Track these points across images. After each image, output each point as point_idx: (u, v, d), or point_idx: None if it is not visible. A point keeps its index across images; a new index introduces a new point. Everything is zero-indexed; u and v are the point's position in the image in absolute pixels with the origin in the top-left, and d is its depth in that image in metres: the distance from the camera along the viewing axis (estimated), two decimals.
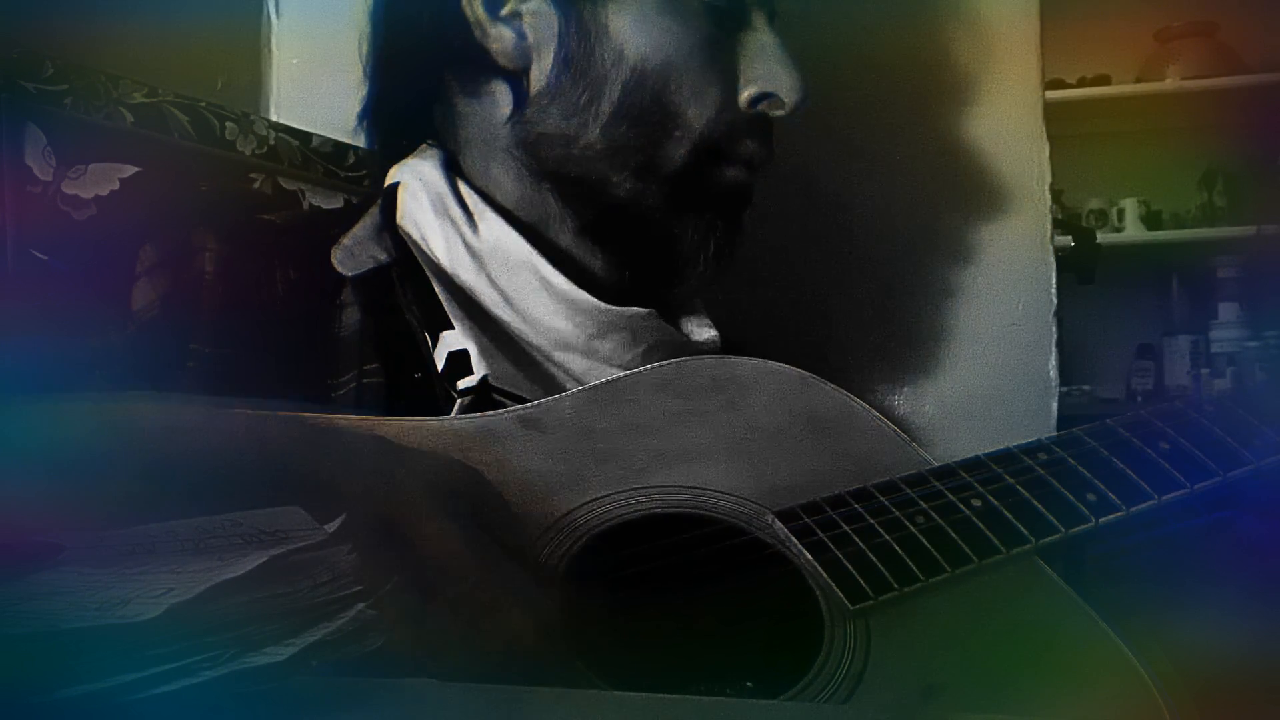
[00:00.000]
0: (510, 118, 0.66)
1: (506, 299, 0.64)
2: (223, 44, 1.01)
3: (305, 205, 0.79)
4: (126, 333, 0.60)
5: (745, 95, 0.65)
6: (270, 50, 0.98)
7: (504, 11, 0.65)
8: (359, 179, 0.84)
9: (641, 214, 0.66)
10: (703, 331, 0.70)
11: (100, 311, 0.60)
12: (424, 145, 0.70)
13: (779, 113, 0.66)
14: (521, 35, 0.65)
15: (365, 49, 0.72)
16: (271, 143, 0.79)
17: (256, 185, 0.77)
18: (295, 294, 0.63)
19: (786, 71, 0.65)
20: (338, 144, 0.83)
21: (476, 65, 0.66)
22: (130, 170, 0.68)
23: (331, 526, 0.36)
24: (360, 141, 0.76)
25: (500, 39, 0.65)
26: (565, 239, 0.67)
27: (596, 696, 0.36)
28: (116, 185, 0.67)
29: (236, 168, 0.77)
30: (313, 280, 0.64)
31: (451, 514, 0.41)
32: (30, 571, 0.32)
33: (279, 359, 0.61)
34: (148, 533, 0.35)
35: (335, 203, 0.81)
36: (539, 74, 0.65)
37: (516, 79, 0.66)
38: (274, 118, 0.92)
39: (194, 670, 0.28)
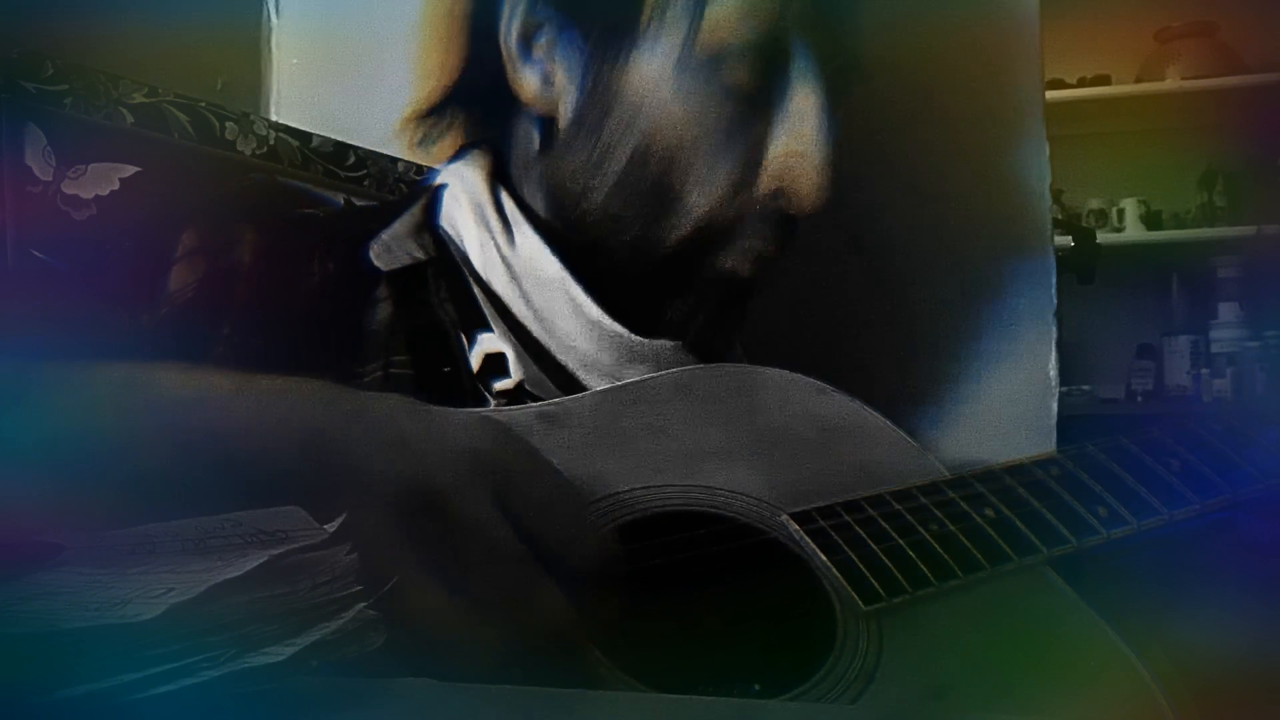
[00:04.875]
0: (536, 155, 0.66)
1: (537, 315, 0.64)
2: (223, 44, 1.01)
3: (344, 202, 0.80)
4: (160, 314, 0.60)
5: (762, 188, 0.62)
6: (270, 50, 0.98)
7: (534, 53, 0.64)
8: (359, 179, 0.84)
9: (633, 281, 0.65)
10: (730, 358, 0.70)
11: (125, 301, 0.60)
12: (476, 150, 0.70)
13: (795, 213, 0.63)
14: (548, 81, 0.64)
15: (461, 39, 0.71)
16: (271, 143, 0.79)
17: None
18: (330, 285, 0.63)
19: (813, 171, 0.61)
20: (338, 144, 0.83)
21: (511, 97, 0.66)
22: (130, 170, 0.68)
23: (332, 526, 0.36)
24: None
25: (527, 80, 0.64)
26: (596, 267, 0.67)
27: (598, 697, 0.36)
28: (116, 185, 0.67)
29: (236, 168, 0.77)
30: (348, 273, 0.64)
31: (484, 491, 0.41)
32: (30, 571, 0.32)
33: (308, 346, 0.61)
34: (148, 533, 0.35)
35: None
36: (560, 124, 0.64)
37: (543, 120, 0.65)
38: (274, 118, 0.92)
39: (194, 670, 0.28)
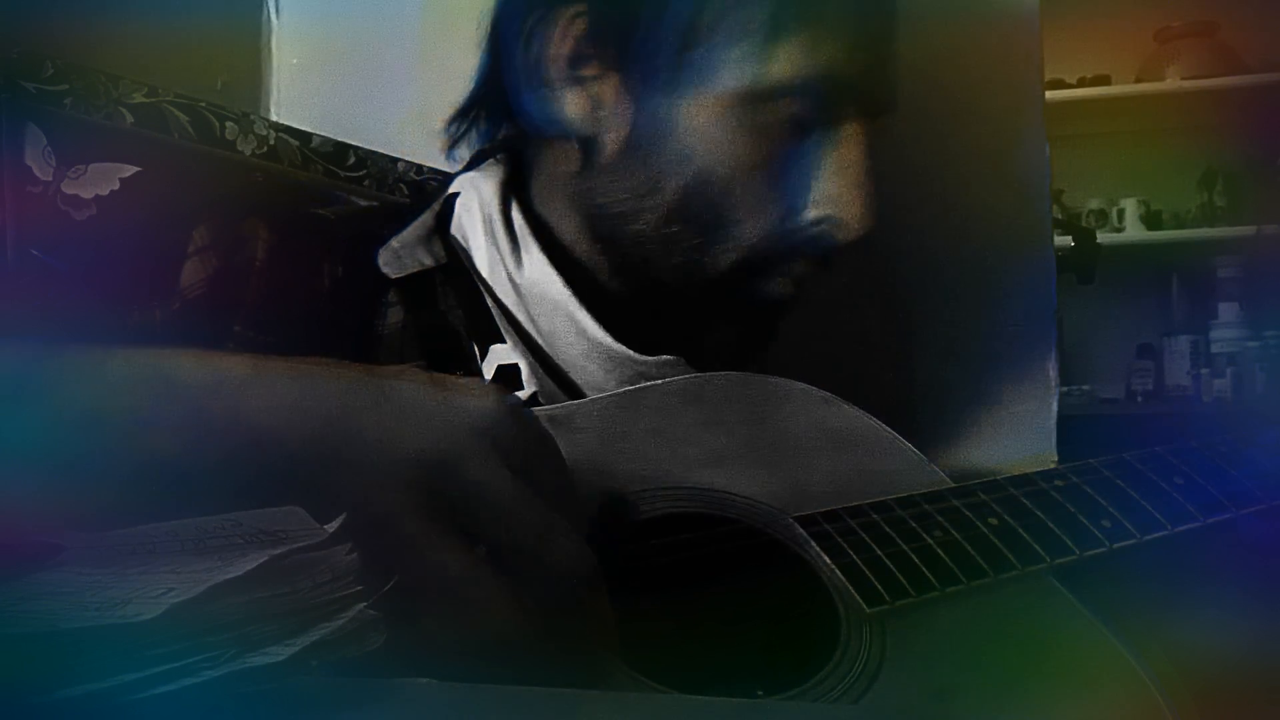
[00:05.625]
0: (577, 174, 0.65)
1: (542, 334, 0.64)
2: (223, 44, 1.01)
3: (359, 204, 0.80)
4: (171, 309, 0.60)
5: (809, 214, 0.63)
6: (270, 50, 0.98)
7: (584, 73, 0.64)
8: (359, 179, 0.84)
9: (676, 305, 0.66)
10: None
11: (126, 300, 0.60)
12: (493, 160, 0.70)
13: (841, 237, 0.64)
14: (597, 104, 0.64)
15: (482, 33, 0.70)
16: (271, 143, 0.79)
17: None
18: (342, 286, 0.64)
19: (858, 198, 0.63)
20: (338, 144, 0.83)
21: (552, 114, 0.65)
22: (130, 170, 0.68)
23: (332, 526, 0.36)
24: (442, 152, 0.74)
25: (575, 103, 0.64)
26: (611, 288, 0.67)
27: (598, 697, 0.36)
28: (116, 185, 0.67)
29: (236, 168, 0.77)
30: (360, 276, 0.64)
31: (501, 464, 0.41)
32: (30, 571, 0.32)
33: (319, 346, 0.61)
34: (148, 533, 0.35)
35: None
36: (608, 147, 0.64)
37: (587, 142, 0.65)
38: (274, 118, 0.92)
39: (194, 670, 0.28)
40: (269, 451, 0.40)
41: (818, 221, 0.63)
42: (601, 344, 0.64)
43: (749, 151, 0.62)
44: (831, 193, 0.63)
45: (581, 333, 0.64)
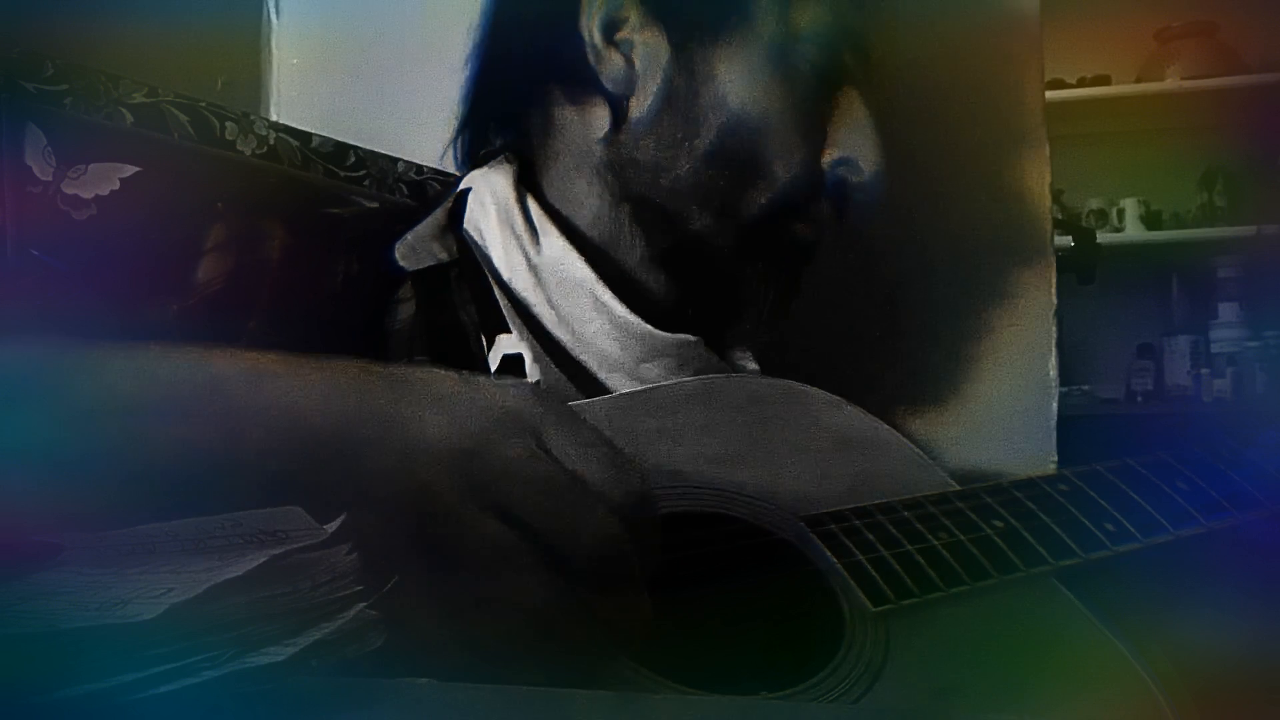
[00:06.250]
0: (605, 138, 0.67)
1: (560, 317, 0.65)
2: (223, 44, 1.01)
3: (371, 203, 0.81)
4: (187, 305, 0.61)
5: (828, 157, 0.67)
6: (270, 50, 0.98)
7: (618, 36, 0.67)
8: (359, 179, 0.84)
9: (711, 253, 0.67)
10: (746, 364, 0.72)
11: (127, 300, 0.61)
12: (501, 157, 0.71)
13: (856, 179, 0.67)
14: (630, 62, 0.66)
15: (474, 41, 0.73)
16: (271, 143, 0.79)
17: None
18: (354, 286, 0.65)
19: (870, 143, 0.67)
20: (338, 144, 0.83)
21: (583, 81, 0.67)
22: (130, 170, 0.68)
23: (332, 526, 0.36)
24: (449, 162, 0.77)
25: (611, 63, 0.66)
26: (631, 261, 0.68)
27: (599, 696, 0.36)
28: (116, 185, 0.67)
29: (236, 168, 0.77)
30: (372, 273, 0.65)
31: (524, 443, 0.41)
32: (30, 571, 0.32)
33: (330, 343, 0.62)
34: (148, 533, 0.35)
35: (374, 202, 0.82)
36: (640, 102, 0.66)
37: (618, 101, 0.67)
38: (274, 118, 0.92)
39: (194, 670, 0.28)
40: (307, 435, 0.41)
41: (837, 163, 0.67)
42: (622, 319, 0.64)
43: (779, 96, 0.65)
44: (847, 137, 0.67)
45: (601, 308, 0.64)
